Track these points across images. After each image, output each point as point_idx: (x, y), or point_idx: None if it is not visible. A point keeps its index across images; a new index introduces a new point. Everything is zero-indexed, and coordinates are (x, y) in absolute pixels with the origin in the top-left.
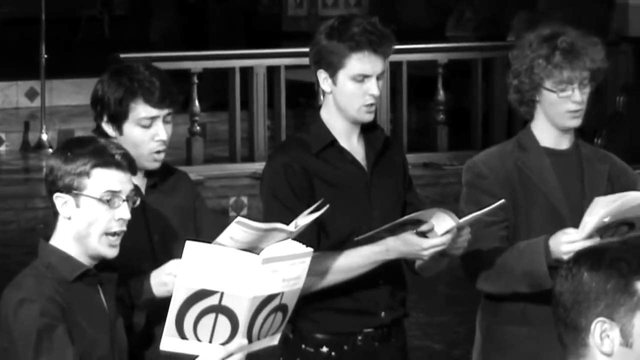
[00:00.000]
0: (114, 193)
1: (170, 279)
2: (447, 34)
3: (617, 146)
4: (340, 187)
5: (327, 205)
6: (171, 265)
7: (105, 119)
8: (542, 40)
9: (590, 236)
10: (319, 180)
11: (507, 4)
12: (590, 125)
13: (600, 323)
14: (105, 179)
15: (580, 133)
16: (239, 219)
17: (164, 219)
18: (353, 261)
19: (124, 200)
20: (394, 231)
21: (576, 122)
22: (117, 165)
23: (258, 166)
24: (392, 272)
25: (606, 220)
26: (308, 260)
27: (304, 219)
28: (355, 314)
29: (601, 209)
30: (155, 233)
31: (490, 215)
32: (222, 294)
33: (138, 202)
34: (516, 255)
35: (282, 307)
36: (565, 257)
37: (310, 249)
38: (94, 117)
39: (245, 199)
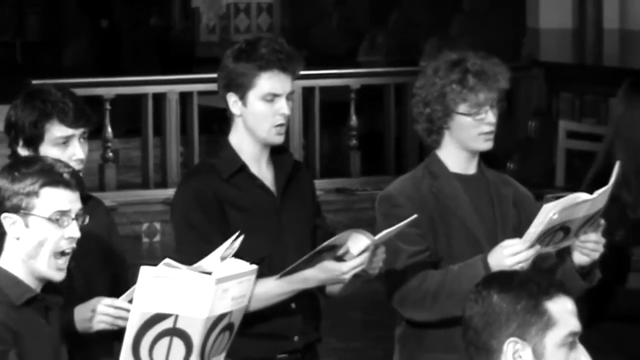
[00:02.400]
0: (64, 212)
1: (93, 315)
2: (359, 59)
3: (528, 171)
4: (251, 213)
5: (243, 236)
6: (94, 302)
7: (20, 143)
8: (451, 65)
9: (531, 246)
10: (229, 205)
11: (419, 29)
12: (501, 150)
13: (513, 343)
14: (54, 198)
15: (492, 158)
16: (167, 260)
17: (79, 245)
18: (269, 291)
19: (73, 219)
20: (311, 262)
21: (489, 145)
22: (66, 184)
23: (171, 192)
24: (305, 296)
25: (555, 217)
26: (253, 277)
27: (228, 251)
28: (269, 338)
29: (546, 219)
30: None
31: (413, 244)
32: (176, 316)
33: (87, 221)
34: (452, 278)
35: (230, 326)
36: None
37: (255, 266)
38: (9, 143)
39: (158, 225)
